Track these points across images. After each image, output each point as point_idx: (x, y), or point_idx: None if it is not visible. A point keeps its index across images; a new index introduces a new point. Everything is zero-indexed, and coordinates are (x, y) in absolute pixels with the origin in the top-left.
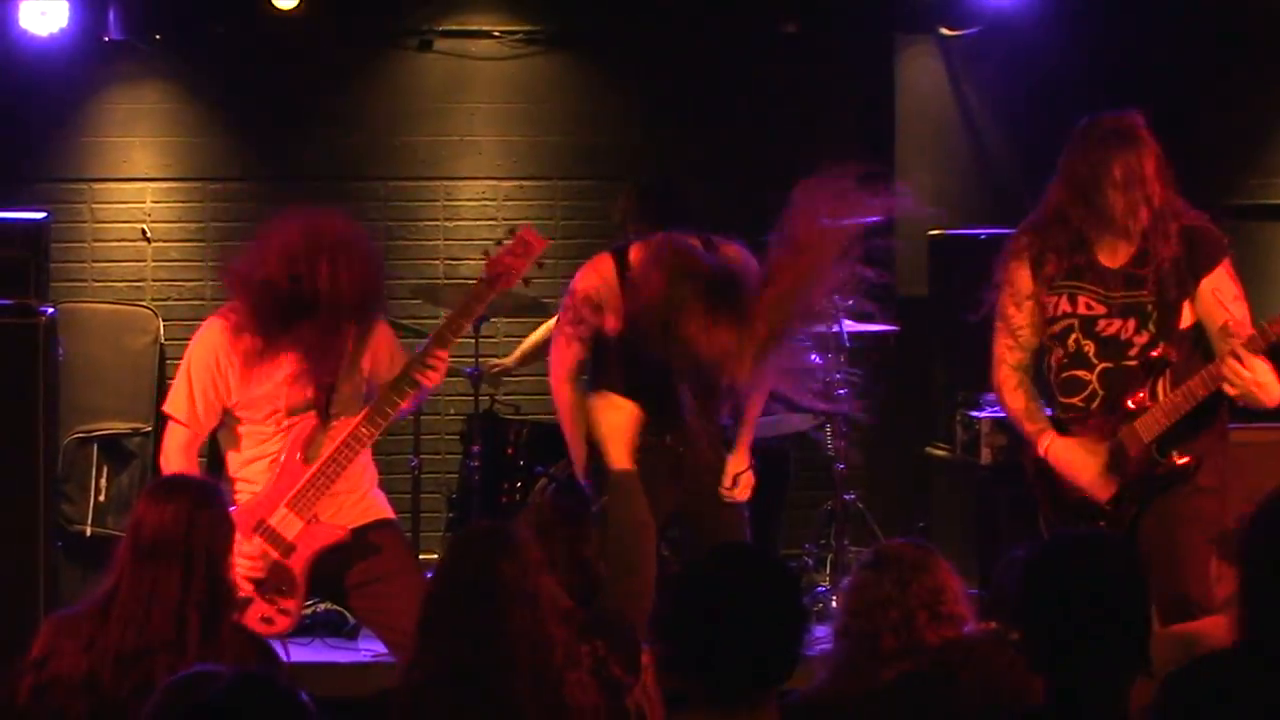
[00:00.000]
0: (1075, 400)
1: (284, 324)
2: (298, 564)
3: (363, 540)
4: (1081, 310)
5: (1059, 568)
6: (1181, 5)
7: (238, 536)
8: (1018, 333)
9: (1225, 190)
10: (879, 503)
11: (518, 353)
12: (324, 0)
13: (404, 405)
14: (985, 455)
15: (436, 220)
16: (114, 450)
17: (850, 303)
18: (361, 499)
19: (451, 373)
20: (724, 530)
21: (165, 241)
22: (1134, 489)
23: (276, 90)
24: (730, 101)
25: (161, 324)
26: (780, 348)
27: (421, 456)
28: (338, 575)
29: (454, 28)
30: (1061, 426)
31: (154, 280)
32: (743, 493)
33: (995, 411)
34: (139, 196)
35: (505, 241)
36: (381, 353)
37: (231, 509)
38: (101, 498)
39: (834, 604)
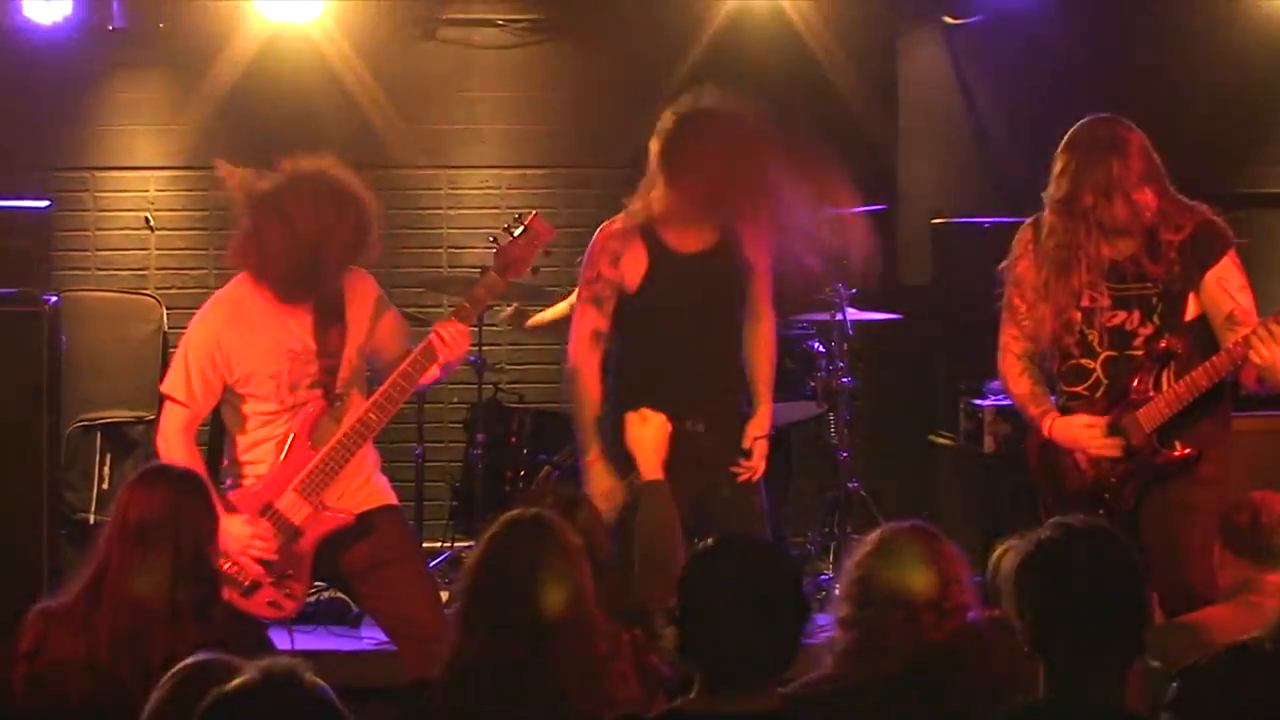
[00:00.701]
0: (1079, 389)
1: (284, 292)
2: (304, 549)
3: (366, 525)
4: (1085, 303)
5: (1053, 557)
6: None
7: (245, 518)
8: (1023, 322)
9: (1229, 178)
10: (882, 491)
11: (540, 319)
12: None
13: (417, 382)
14: (988, 443)
15: (440, 209)
16: (117, 438)
17: (853, 291)
18: (365, 483)
19: None
20: (741, 520)
21: (168, 230)
22: (1134, 475)
23: (280, 79)
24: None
25: (165, 312)
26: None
27: (425, 445)
28: (339, 559)
29: (457, 16)
30: (1065, 413)
31: (157, 269)
32: (758, 462)
33: (998, 400)
34: (142, 185)
35: (514, 230)
36: (383, 330)
37: (237, 491)
38: (105, 486)
39: (836, 591)
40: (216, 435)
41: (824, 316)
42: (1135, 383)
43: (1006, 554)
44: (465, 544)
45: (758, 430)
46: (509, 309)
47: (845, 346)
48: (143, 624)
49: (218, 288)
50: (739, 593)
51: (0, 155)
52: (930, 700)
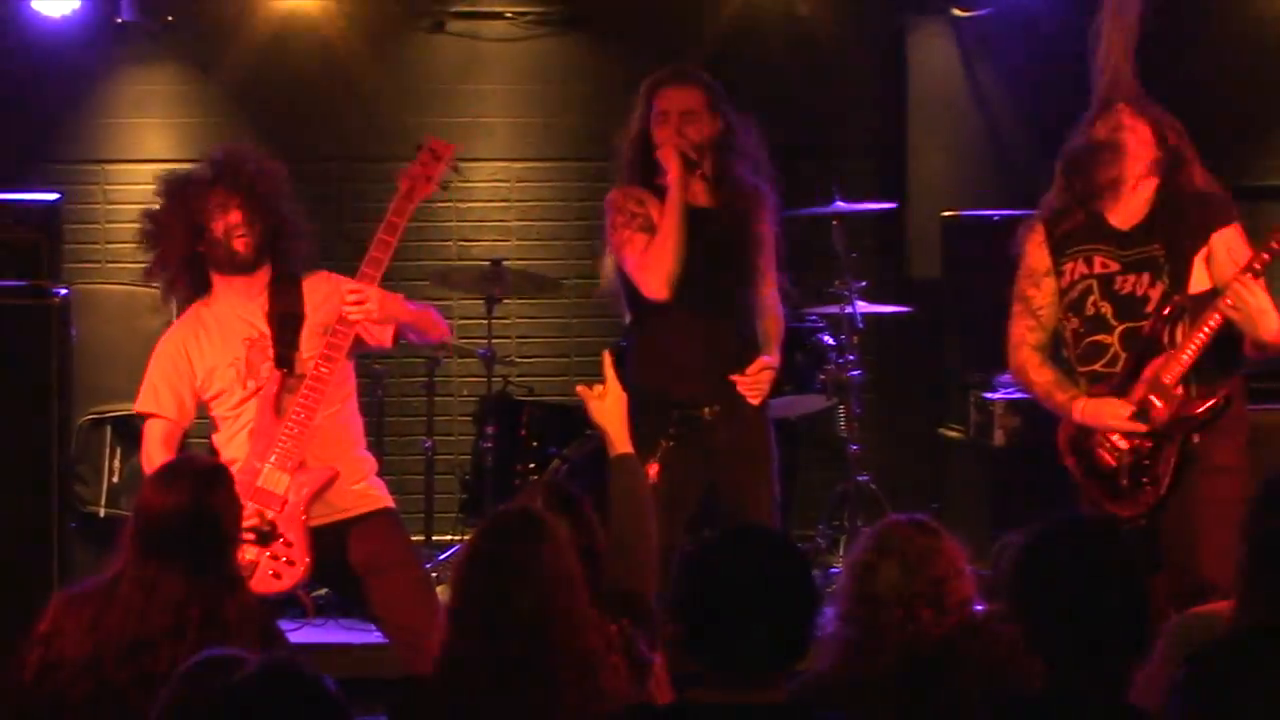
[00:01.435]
0: (1097, 366)
1: (206, 282)
2: (295, 514)
3: (361, 530)
4: (1097, 269)
5: (1049, 554)
6: None
7: None
8: (1038, 313)
9: (1239, 171)
10: (892, 484)
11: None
12: None
13: (348, 336)
14: (998, 437)
15: (449, 202)
16: (127, 432)
17: (863, 284)
18: (360, 486)
19: (464, 354)
20: (752, 511)
21: None
22: (1168, 441)
23: (289, 72)
24: (742, 82)
25: (174, 306)
26: None
27: (434, 438)
28: (336, 565)
29: (466, 9)
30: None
31: None
32: (758, 388)
33: (1009, 393)
34: (152, 178)
35: (415, 155)
36: (326, 299)
37: None
38: (115, 479)
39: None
40: None
41: (834, 309)
42: (1151, 362)
43: (1006, 548)
44: None
45: (766, 361)
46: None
47: (855, 339)
48: (148, 636)
49: None
50: (749, 584)
51: (10, 149)
52: (929, 694)
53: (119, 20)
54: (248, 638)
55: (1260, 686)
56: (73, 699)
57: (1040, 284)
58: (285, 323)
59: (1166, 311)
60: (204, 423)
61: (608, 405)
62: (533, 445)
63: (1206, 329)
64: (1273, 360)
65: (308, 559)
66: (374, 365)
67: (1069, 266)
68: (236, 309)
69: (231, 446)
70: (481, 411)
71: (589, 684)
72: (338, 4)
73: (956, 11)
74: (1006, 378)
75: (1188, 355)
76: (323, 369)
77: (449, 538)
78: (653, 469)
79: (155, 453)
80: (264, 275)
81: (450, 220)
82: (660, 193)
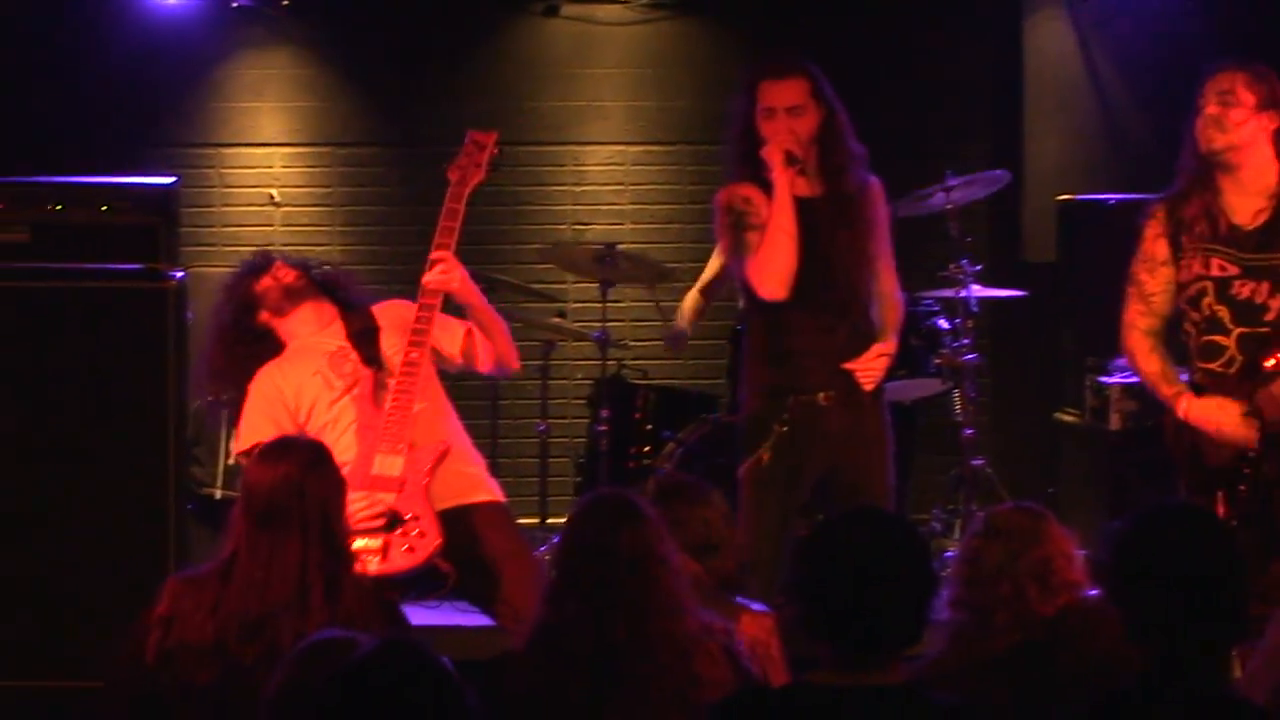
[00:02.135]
0: (1214, 366)
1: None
2: (416, 491)
3: (470, 521)
4: (1215, 272)
5: (1148, 540)
6: None
7: (351, 495)
8: (1150, 299)
9: None
10: (1007, 468)
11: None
12: None
13: (434, 310)
14: (1114, 421)
15: (564, 185)
16: None
17: (978, 268)
18: (470, 476)
19: (578, 337)
20: (869, 495)
21: (293, 206)
22: (1275, 446)
23: (404, 56)
24: (858, 68)
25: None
26: None
27: (549, 421)
28: (453, 548)
29: None
30: (1198, 390)
31: (282, 245)
32: (873, 374)
33: (1125, 377)
34: (267, 161)
35: (461, 148)
36: (399, 317)
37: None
38: (231, 461)
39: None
40: None
41: (949, 293)
42: (1267, 357)
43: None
44: None
45: (884, 348)
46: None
47: (970, 323)
48: (271, 609)
49: (341, 263)
50: (866, 566)
51: (128, 133)
52: (1041, 677)
53: (235, 4)
54: (367, 614)
55: None
56: (200, 682)
57: (1156, 272)
58: (363, 336)
59: None
60: None
61: None
62: (647, 429)
63: None
64: None
65: (438, 529)
66: None
67: (1186, 262)
68: (312, 337)
69: (338, 450)
70: (596, 395)
71: (684, 668)
72: None
73: None
74: (1122, 361)
75: None
76: (414, 353)
77: (563, 521)
78: (766, 455)
79: None
80: (330, 308)
81: (565, 204)
82: (768, 187)
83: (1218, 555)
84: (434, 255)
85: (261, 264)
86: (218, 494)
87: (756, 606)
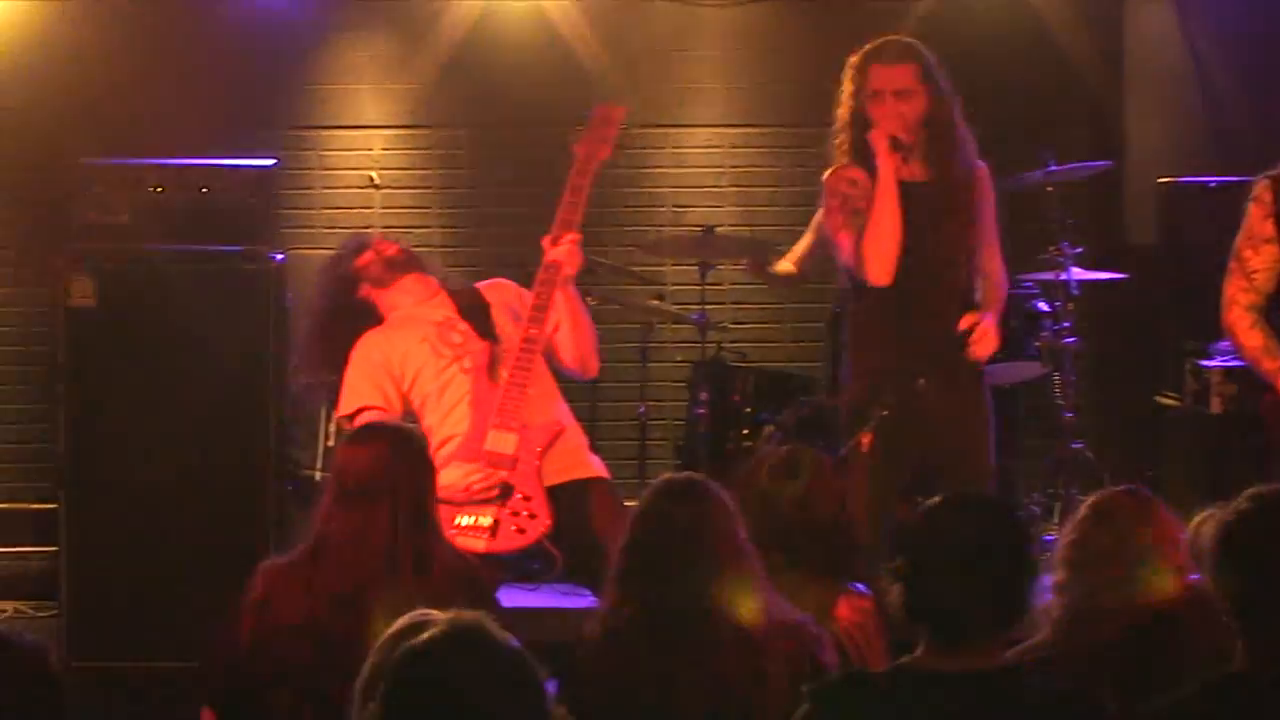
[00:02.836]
0: None
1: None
2: (527, 470)
3: (578, 496)
4: None
5: (1251, 526)
6: None
7: (453, 465)
8: (1253, 276)
9: None
10: (1107, 451)
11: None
12: None
13: (553, 285)
14: (1215, 405)
15: (664, 168)
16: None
17: (1079, 250)
18: (576, 452)
19: (678, 320)
20: (969, 478)
21: (393, 188)
22: None
23: (502, 39)
24: (957, 51)
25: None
26: None
27: (648, 404)
28: (562, 526)
29: None
30: None
31: (381, 227)
32: (983, 346)
33: (1226, 361)
34: (367, 143)
35: (585, 123)
36: (505, 295)
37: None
38: (330, 442)
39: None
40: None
41: (1049, 276)
42: None
43: (1206, 521)
44: None
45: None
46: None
47: (1070, 306)
48: (362, 586)
49: (441, 245)
50: (967, 550)
51: (228, 115)
52: (1144, 663)
53: None
54: (456, 592)
55: None
56: (294, 661)
57: (1260, 249)
58: (472, 310)
59: None
60: None
61: None
62: (746, 411)
63: None
64: None
65: (549, 510)
66: None
67: None
68: (416, 307)
69: (448, 423)
70: (695, 377)
71: (747, 646)
72: None
73: None
74: (1224, 345)
75: None
76: (534, 330)
77: None
78: (866, 438)
79: None
80: (433, 281)
81: (664, 186)
82: (875, 170)
83: None
84: (562, 233)
85: (361, 243)
86: (317, 475)
87: (857, 588)
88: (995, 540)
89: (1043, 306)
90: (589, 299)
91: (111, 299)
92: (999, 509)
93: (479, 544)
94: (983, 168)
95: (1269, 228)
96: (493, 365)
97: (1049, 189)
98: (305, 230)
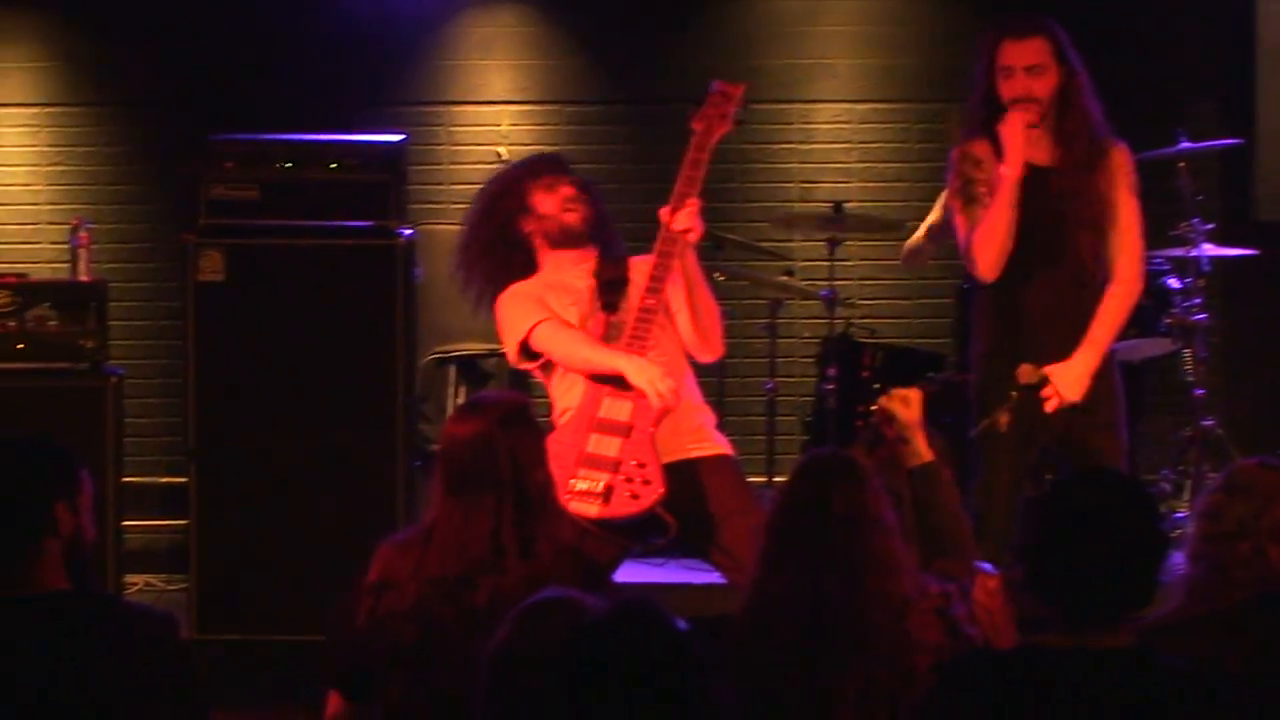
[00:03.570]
0: None
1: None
2: (643, 438)
3: (704, 473)
4: None
5: None
6: None
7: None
8: None
9: None
10: (1238, 429)
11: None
12: None
13: (673, 256)
14: None
15: (791, 144)
16: (471, 371)
17: (1210, 226)
18: (700, 429)
19: (806, 296)
20: (1100, 456)
21: None
22: None
23: (632, 13)
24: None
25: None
26: None
27: (776, 379)
28: (681, 502)
29: None
30: None
31: None
32: (1070, 391)
33: None
34: (495, 119)
35: (705, 99)
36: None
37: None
38: None
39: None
40: None
41: (1179, 252)
42: None
43: None
44: None
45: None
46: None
47: (1201, 282)
48: (465, 576)
49: None
50: (1097, 527)
51: (357, 91)
52: (1275, 638)
53: None
54: (565, 571)
55: None
56: (404, 648)
57: None
58: (612, 283)
59: None
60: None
61: (911, 413)
62: (874, 387)
63: None
64: None
65: (661, 477)
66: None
67: None
68: (566, 274)
69: (571, 394)
70: (823, 353)
71: (899, 629)
72: None
73: None
74: None
75: None
76: (650, 300)
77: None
78: (1004, 418)
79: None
80: (591, 252)
81: (792, 162)
82: (1002, 151)
83: None
84: (683, 200)
85: (550, 168)
86: None
87: (985, 567)
88: (1125, 516)
89: (1173, 283)
90: (717, 275)
91: (240, 274)
92: (1129, 485)
93: (592, 509)
94: (1119, 147)
95: None
96: (606, 335)
97: (1180, 165)
98: (434, 206)
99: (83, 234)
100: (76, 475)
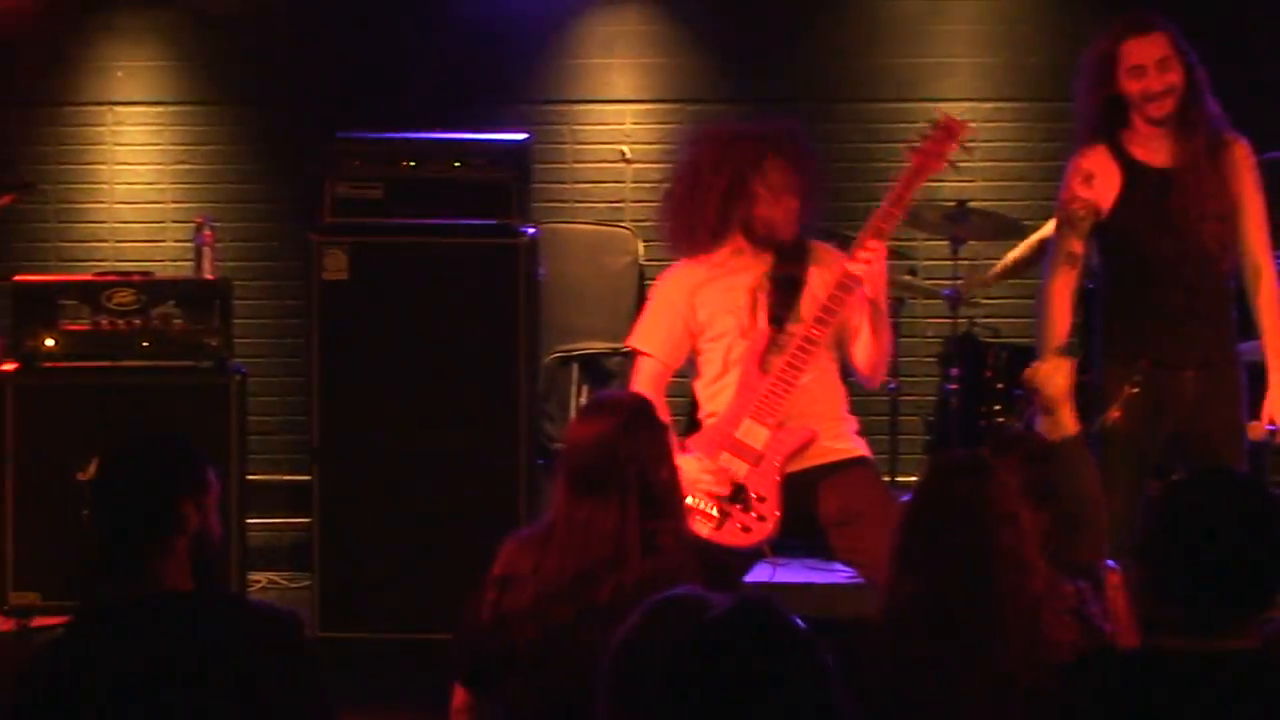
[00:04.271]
0: None
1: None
2: (769, 470)
3: (834, 480)
4: None
5: None
6: None
7: (695, 456)
8: None
9: None
10: None
11: (1000, 266)
12: None
13: (845, 302)
14: None
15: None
16: (594, 369)
17: None
18: (840, 434)
19: (929, 295)
20: (1222, 456)
21: (645, 164)
22: None
23: (755, 11)
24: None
25: (641, 245)
26: None
27: (899, 379)
28: (812, 513)
29: None
30: None
31: (633, 201)
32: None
33: None
34: (619, 118)
35: (926, 131)
36: (826, 268)
37: (696, 433)
38: None
39: None
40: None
41: None
42: None
43: None
44: None
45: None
46: (972, 287)
47: None
48: (586, 576)
49: None
50: (1219, 527)
51: (480, 90)
52: None
53: None
54: (690, 569)
55: None
56: (523, 646)
57: None
58: (787, 285)
59: None
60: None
61: (1062, 381)
62: (997, 387)
63: None
64: None
65: (777, 515)
66: None
67: None
68: (742, 266)
69: (717, 400)
70: (946, 353)
71: (1033, 628)
72: None
73: None
74: None
75: None
76: (815, 331)
77: (914, 478)
78: (1116, 413)
79: (642, 390)
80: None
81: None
82: (1122, 154)
83: None
84: (870, 245)
85: (779, 169)
86: None
87: (1107, 565)
88: (1246, 517)
89: None
90: None
91: (364, 272)
92: (1249, 485)
93: (703, 529)
94: (1241, 144)
95: None
96: (768, 351)
97: None
98: (557, 205)
99: (207, 232)
100: (203, 474)
